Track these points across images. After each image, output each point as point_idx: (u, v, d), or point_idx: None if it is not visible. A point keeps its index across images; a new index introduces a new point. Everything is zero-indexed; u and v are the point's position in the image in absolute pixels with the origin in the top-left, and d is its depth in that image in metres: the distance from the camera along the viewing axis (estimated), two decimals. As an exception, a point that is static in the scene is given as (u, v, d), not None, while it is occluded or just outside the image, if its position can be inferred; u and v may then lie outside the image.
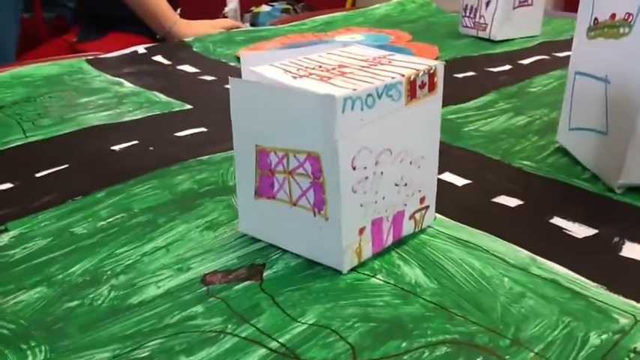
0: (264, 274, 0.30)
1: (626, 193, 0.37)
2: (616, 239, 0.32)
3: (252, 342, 0.25)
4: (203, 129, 0.49)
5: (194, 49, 0.75)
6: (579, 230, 0.33)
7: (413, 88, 0.29)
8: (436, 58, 0.69)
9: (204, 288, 0.29)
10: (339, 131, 0.27)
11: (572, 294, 0.28)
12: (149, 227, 0.34)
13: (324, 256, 0.30)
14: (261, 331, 0.26)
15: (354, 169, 0.28)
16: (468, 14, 0.82)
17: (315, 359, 0.24)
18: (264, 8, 2.36)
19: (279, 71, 0.30)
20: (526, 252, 0.31)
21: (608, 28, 0.38)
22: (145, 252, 0.32)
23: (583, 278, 0.29)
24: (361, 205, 0.29)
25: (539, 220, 0.34)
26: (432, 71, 0.30)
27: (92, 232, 0.34)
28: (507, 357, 0.24)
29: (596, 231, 0.33)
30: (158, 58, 0.72)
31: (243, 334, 0.25)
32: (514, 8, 0.78)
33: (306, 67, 0.30)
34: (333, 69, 0.30)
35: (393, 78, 0.28)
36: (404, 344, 0.25)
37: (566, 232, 0.33)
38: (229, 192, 0.38)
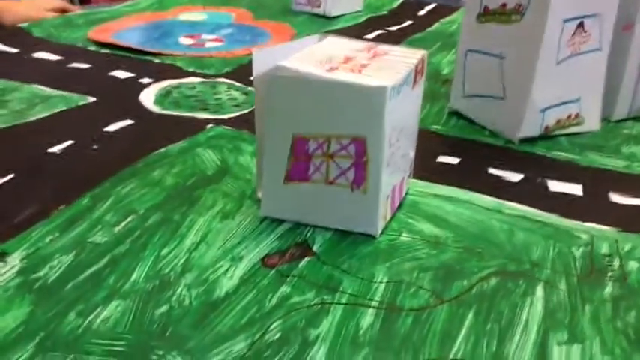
0: (313, 248, 0.33)
1: (521, 144, 0.48)
2: (539, 179, 0.42)
3: (356, 305, 0.29)
4: (129, 121, 0.47)
5: (35, 35, 0.68)
6: (511, 176, 0.43)
7: (416, 75, 0.35)
8: (293, 36, 0.74)
9: (273, 270, 0.31)
10: (385, 116, 0.31)
11: (542, 224, 0.37)
12: (172, 225, 0.34)
13: (359, 225, 0.34)
14: (355, 295, 0.29)
15: (390, 147, 0.33)
16: (301, -8, 0.88)
17: (415, 306, 0.29)
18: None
19: (308, 65, 0.32)
20: (491, 198, 0.39)
21: (499, 15, 0.47)
22: (189, 248, 0.32)
23: (540, 211, 0.38)
24: (389, 177, 0.34)
25: (480, 172, 0.43)
26: (424, 59, 0.36)
27: (116, 239, 0.33)
28: (537, 275, 0.32)
29: (522, 175, 0.43)
30: (-1, 46, 0.64)
31: (343, 300, 0.29)
32: (344, -13, 0.86)
33: (322, 61, 0.33)
34: (346, 61, 0.34)
35: (408, 67, 0.33)
36: (465, 282, 0.31)
37: (504, 179, 0.42)
38: (214, 181, 0.39)
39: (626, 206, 0.39)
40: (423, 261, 0.33)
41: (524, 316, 0.29)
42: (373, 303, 0.29)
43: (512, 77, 0.47)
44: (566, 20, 0.45)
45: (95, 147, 0.43)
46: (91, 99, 0.51)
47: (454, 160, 0.44)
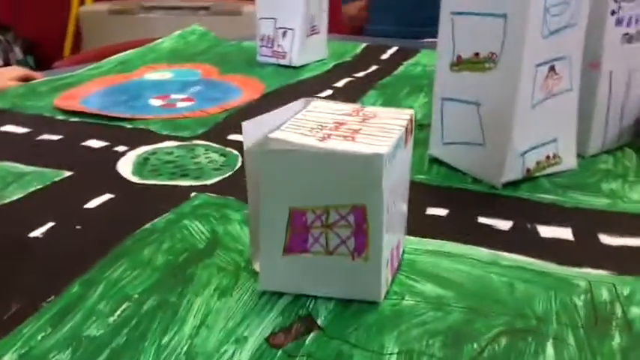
0: (318, 322, 0.32)
1: (505, 188, 0.48)
2: (529, 225, 0.43)
3: (371, 382, 0.28)
4: (110, 195, 0.46)
5: (0, 107, 0.67)
6: (501, 224, 0.43)
7: (407, 136, 0.35)
8: (263, 90, 0.74)
9: (279, 351, 0.30)
10: (384, 182, 0.31)
11: (538, 273, 0.37)
12: (169, 309, 0.33)
13: (362, 293, 0.34)
14: (368, 371, 0.29)
15: (387, 212, 0.32)
16: (265, 44, 0.88)
17: (431, 378, 0.28)
18: (-33, 39, 2.06)
19: (300, 135, 0.32)
20: (485, 249, 0.39)
21: (472, 63, 0.48)
22: (190, 335, 0.31)
23: (534, 259, 0.38)
24: (388, 241, 0.33)
25: (471, 222, 0.43)
26: (412, 119, 0.36)
27: (112, 330, 0.31)
28: (544, 330, 0.32)
29: (512, 222, 0.43)
30: (-38, 121, 0.62)
31: (357, 379, 0.28)
32: (308, 36, 0.87)
33: (313, 128, 0.33)
34: (337, 128, 0.34)
35: (400, 129, 0.33)
36: (475, 345, 0.31)
37: (495, 227, 0.42)
38: (207, 255, 0.38)
39: (617, 247, 0.40)
40: (430, 326, 0.32)
41: (540, 377, 0.29)
42: (388, 378, 0.28)
43: (490, 123, 0.48)
44: (538, 65, 0.46)
45: (78, 227, 0.41)
46: (67, 173, 0.50)
47: (443, 212, 0.44)
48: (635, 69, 0.54)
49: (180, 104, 0.69)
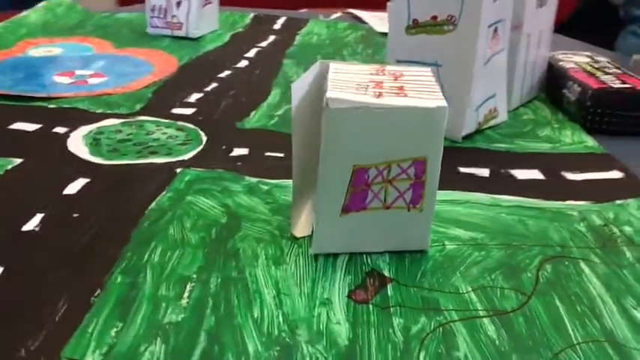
0: (385, 274, 0.33)
1: (462, 141, 0.52)
2: (502, 171, 0.47)
3: (469, 319, 0.30)
4: (85, 179, 0.41)
5: None
6: (480, 171, 0.47)
7: (434, 91, 0.36)
8: (177, 63, 0.70)
9: (369, 306, 0.30)
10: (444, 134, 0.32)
11: (537, 209, 0.41)
12: (238, 284, 0.31)
13: (411, 243, 0.35)
14: (458, 309, 0.30)
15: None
16: (157, 15, 0.83)
17: (515, 306, 0.31)
18: None
19: (354, 94, 0.32)
20: (483, 194, 0.43)
21: (430, 26, 0.51)
22: (276, 304, 0.30)
23: (527, 198, 0.43)
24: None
25: (454, 173, 0.46)
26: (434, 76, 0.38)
27: (192, 312, 0.29)
28: (571, 255, 0.36)
29: (488, 169, 0.47)
30: None
31: (456, 317, 0.30)
32: (203, 6, 0.84)
33: (358, 88, 0.33)
34: (379, 86, 0.34)
35: (435, 85, 0.35)
36: (529, 274, 0.34)
37: (477, 175, 0.46)
38: (236, 229, 0.37)
39: (582, 181, 0.46)
40: (483, 264, 0.35)
41: (593, 292, 0.33)
42: (481, 313, 0.30)
43: (450, 82, 0.51)
44: (489, 26, 0.50)
45: (75, 215, 0.37)
46: (17, 160, 0.43)
47: (427, 166, 0.47)
48: (543, 30, 0.62)
49: (91, 80, 0.63)
